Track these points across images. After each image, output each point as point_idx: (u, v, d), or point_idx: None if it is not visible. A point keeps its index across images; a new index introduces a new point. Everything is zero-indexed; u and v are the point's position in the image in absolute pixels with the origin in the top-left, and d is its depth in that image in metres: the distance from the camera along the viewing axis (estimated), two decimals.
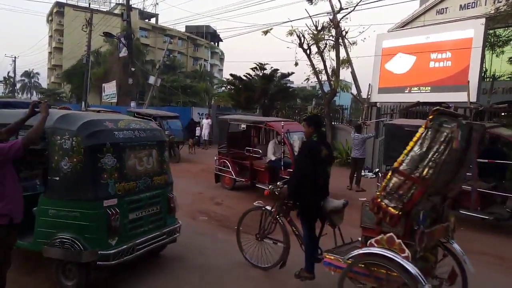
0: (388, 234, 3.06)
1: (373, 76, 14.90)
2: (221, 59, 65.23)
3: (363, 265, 3.21)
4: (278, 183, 4.38)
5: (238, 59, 73.69)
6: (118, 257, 3.72)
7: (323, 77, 15.56)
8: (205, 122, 19.39)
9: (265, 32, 15.67)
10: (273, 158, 8.43)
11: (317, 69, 15.34)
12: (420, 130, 2.96)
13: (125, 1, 22.93)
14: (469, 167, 6.16)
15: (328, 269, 3.53)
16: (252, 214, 4.65)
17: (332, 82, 15.19)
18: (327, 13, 15.39)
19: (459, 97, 12.23)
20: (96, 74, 34.77)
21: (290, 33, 14.87)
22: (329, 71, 15.10)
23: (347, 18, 14.62)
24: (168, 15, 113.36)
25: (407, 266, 2.89)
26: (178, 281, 4.28)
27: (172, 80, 38.63)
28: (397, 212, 2.98)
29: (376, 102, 14.93)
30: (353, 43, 15.20)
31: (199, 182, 10.50)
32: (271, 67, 21.02)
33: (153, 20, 54.73)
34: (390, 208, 3.01)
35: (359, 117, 17.41)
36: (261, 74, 21.04)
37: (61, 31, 54.45)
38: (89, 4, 33.74)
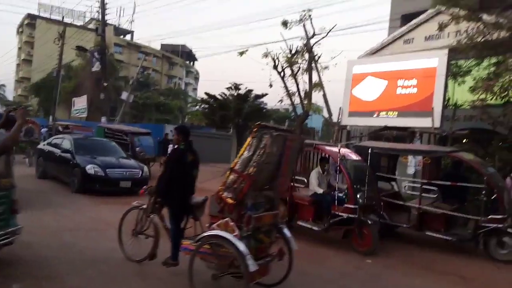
0: (225, 219, 3.86)
1: (343, 100, 15.40)
2: (196, 78, 65.40)
3: (208, 246, 3.94)
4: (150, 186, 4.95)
5: (213, 79, 74.04)
6: None
7: (296, 99, 15.93)
8: None
9: (241, 53, 15.97)
10: (319, 190, 7.13)
11: (290, 91, 15.72)
12: (248, 139, 3.90)
13: (100, 16, 22.78)
14: (423, 188, 7.39)
15: (184, 254, 4.28)
16: (132, 213, 5.10)
17: (304, 105, 15.56)
18: (301, 37, 15.92)
19: (424, 122, 12.81)
20: (67, 88, 33.99)
21: (265, 55, 15.25)
22: (302, 93, 15.49)
23: (319, 43, 15.17)
24: (143, 32, 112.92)
25: (236, 243, 3.68)
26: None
27: (146, 97, 38.33)
28: (232, 201, 3.83)
29: (347, 125, 15.37)
30: (325, 68, 15.74)
31: None
32: (246, 88, 21.33)
33: (128, 37, 54.46)
34: (228, 198, 3.85)
35: (330, 139, 17.83)
36: (235, 94, 21.28)
37: (31, 43, 53.15)
38: (63, 17, 33.27)
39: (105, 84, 21.82)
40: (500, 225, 6.35)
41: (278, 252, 4.24)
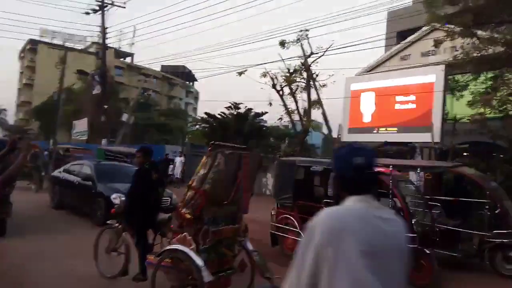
0: (184, 234, 4.03)
1: (343, 116, 15.50)
2: (196, 98, 65.91)
3: (169, 260, 4.10)
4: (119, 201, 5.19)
5: (213, 98, 74.69)
6: None
7: (296, 117, 16.02)
8: (178, 160, 19.22)
9: (240, 73, 16.20)
10: None
11: (289, 109, 15.83)
12: (204, 158, 4.11)
13: (101, 40, 23.15)
14: (427, 204, 6.56)
15: (148, 268, 4.41)
16: (107, 231, 5.25)
17: (304, 122, 15.64)
18: (299, 57, 16.14)
19: (424, 137, 12.85)
20: (67, 111, 34.20)
21: (264, 75, 15.44)
22: (301, 111, 15.60)
23: (317, 62, 15.38)
24: (144, 55, 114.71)
25: (191, 255, 3.86)
26: None
27: (146, 118, 38.49)
28: (190, 216, 4.02)
29: (346, 142, 15.39)
30: (323, 86, 15.89)
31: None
32: (246, 107, 21.48)
33: (128, 59, 55.21)
34: (186, 214, 4.03)
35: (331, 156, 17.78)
36: (235, 113, 21.41)
37: (32, 68, 53.78)
38: (64, 42, 33.82)
39: (106, 106, 21.98)
40: (505, 240, 6.28)
41: (240, 265, 4.46)
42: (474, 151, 13.31)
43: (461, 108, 16.04)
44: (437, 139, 12.68)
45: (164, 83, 56.51)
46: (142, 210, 4.75)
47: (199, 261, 3.83)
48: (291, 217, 6.81)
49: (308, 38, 16.07)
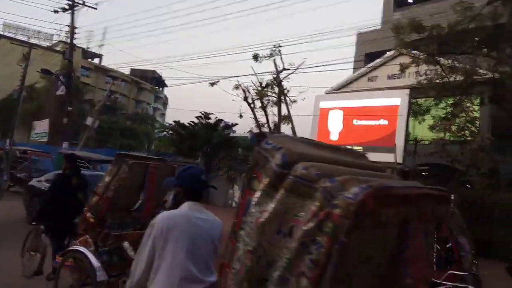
0: (85, 236, 4.28)
1: (311, 133, 15.78)
2: (165, 104, 64.90)
3: (72, 260, 4.29)
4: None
5: (182, 107, 73.79)
6: None
7: (265, 130, 16.14)
8: None
9: (212, 84, 16.15)
10: None
11: (260, 122, 15.92)
12: (109, 168, 4.43)
13: (69, 39, 22.38)
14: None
15: (53, 266, 4.67)
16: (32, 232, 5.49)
17: None
18: (271, 72, 16.36)
19: (388, 158, 13.30)
20: (28, 110, 32.63)
21: (236, 87, 15.48)
22: (271, 125, 15.74)
23: (289, 78, 15.64)
24: (113, 59, 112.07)
25: (88, 256, 4.06)
26: None
27: (111, 121, 37.45)
28: (93, 220, 4.27)
29: None
30: (294, 101, 16.14)
31: None
32: (216, 117, 21.39)
33: (96, 60, 53.68)
34: (90, 218, 4.28)
35: None
36: (205, 123, 21.26)
37: None
38: (29, 38, 32.40)
39: (70, 108, 21.18)
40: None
41: None
42: (434, 173, 13.93)
43: (422, 131, 16.82)
44: (400, 159, 13.16)
45: (133, 87, 55.29)
46: (60, 214, 4.98)
47: (94, 261, 4.05)
48: None
49: (280, 54, 16.37)
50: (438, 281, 4.54)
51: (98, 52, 50.41)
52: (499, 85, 13.51)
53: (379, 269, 1.44)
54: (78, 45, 29.27)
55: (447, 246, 5.06)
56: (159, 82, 58.24)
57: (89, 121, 22.62)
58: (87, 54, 49.47)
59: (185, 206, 2.04)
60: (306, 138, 2.01)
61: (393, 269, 1.46)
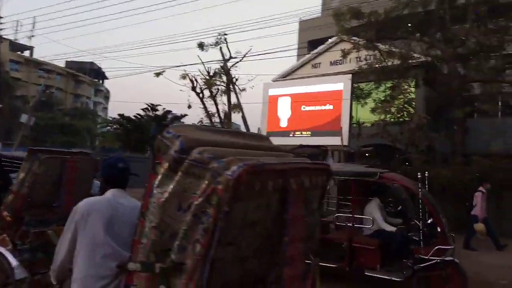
0: (3, 235, 4.22)
1: (261, 120, 15.99)
2: (106, 97, 61.90)
3: None
4: None
5: (126, 98, 70.63)
6: None
7: (216, 120, 16.08)
8: None
9: (157, 74, 15.69)
10: (390, 228, 5.77)
11: (210, 112, 15.83)
12: (22, 164, 4.31)
13: None
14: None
15: None
16: None
17: (224, 125, 15.77)
18: (218, 60, 16.24)
19: (335, 141, 13.88)
20: None
21: (183, 77, 15.19)
22: (222, 114, 15.71)
23: (236, 66, 15.64)
24: (46, 51, 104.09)
25: (5, 255, 4.01)
26: None
27: (49, 118, 35.10)
28: (9, 218, 4.22)
29: None
30: (243, 90, 16.21)
31: None
32: (164, 109, 20.89)
33: (27, 53, 49.63)
34: (6, 216, 4.22)
35: None
36: (153, 115, 20.69)
37: None
38: None
39: (0, 106, 19.52)
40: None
41: None
42: (377, 153, 14.80)
43: (365, 114, 17.73)
44: (346, 142, 13.79)
45: (69, 80, 52.04)
46: None
47: (12, 259, 4.01)
48: None
49: (226, 42, 16.28)
50: (426, 257, 5.04)
51: (28, 44, 46.64)
52: (431, 68, 14.60)
53: (264, 231, 1.75)
54: (5, 37, 26.91)
55: (429, 222, 5.40)
56: (99, 74, 55.36)
57: (23, 118, 21.05)
58: (15, 46, 45.61)
59: (109, 193, 2.20)
60: (209, 126, 2.51)
61: (276, 230, 1.76)
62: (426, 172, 5.86)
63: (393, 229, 5.74)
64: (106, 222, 2.02)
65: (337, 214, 6.23)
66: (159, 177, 1.57)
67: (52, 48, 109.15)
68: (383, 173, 5.83)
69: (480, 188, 8.87)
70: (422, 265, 5.11)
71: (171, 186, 1.54)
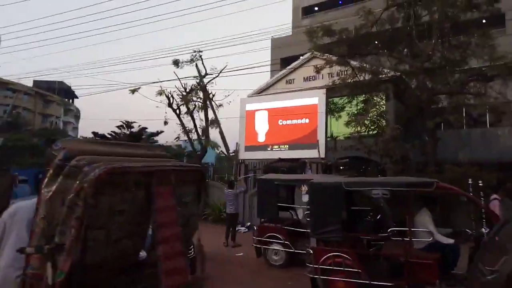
0: None
1: (239, 135, 16.10)
2: (77, 117, 60.41)
3: None
4: None
5: (98, 117, 68.94)
6: None
7: (194, 136, 16.06)
8: None
9: (133, 91, 15.57)
10: (444, 240, 5.54)
11: (187, 128, 15.79)
12: None
13: None
14: None
15: None
16: None
17: (202, 141, 15.77)
18: (194, 77, 16.34)
19: (312, 154, 14.15)
20: None
21: (160, 93, 15.15)
22: (200, 130, 15.72)
23: (213, 82, 15.78)
24: (12, 69, 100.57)
25: None
26: None
27: (16, 139, 33.81)
28: None
29: (244, 159, 16.01)
30: (220, 105, 16.33)
31: None
32: (139, 126, 20.66)
33: None
34: None
35: (225, 173, 18.21)
36: (128, 133, 20.40)
37: None
38: None
39: None
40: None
41: None
42: (353, 165, 15.18)
43: (340, 127, 18.21)
44: (322, 154, 14.08)
45: (37, 100, 50.50)
46: None
47: None
48: (346, 255, 5.54)
49: (202, 58, 16.44)
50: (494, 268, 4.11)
51: None
52: (401, 81, 15.28)
53: (133, 218, 2.27)
54: None
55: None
56: (68, 93, 54.09)
57: None
58: None
59: (35, 198, 2.49)
60: (98, 140, 2.88)
61: (146, 217, 2.32)
62: (470, 180, 6.50)
63: (450, 241, 5.49)
64: (29, 221, 2.30)
65: (391, 228, 5.70)
66: (46, 179, 2.01)
67: (20, 67, 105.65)
68: (439, 182, 5.37)
69: (496, 196, 8.15)
70: (491, 277, 3.92)
71: (55, 186, 1.97)
